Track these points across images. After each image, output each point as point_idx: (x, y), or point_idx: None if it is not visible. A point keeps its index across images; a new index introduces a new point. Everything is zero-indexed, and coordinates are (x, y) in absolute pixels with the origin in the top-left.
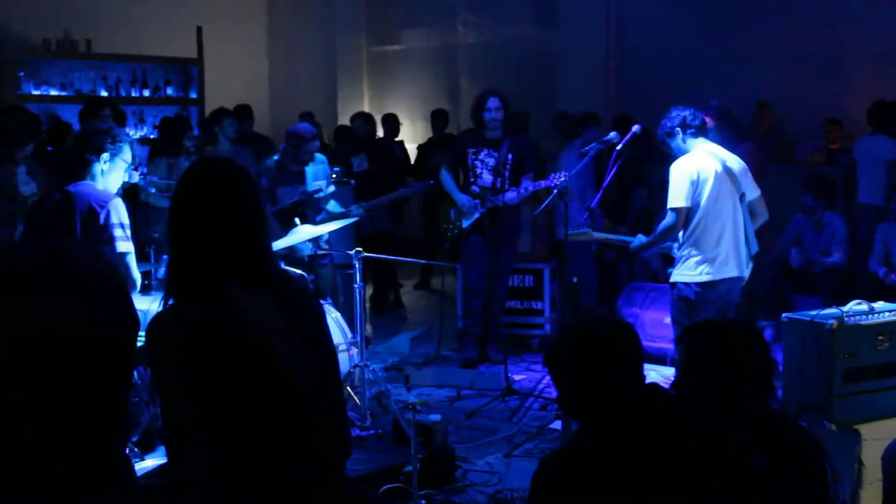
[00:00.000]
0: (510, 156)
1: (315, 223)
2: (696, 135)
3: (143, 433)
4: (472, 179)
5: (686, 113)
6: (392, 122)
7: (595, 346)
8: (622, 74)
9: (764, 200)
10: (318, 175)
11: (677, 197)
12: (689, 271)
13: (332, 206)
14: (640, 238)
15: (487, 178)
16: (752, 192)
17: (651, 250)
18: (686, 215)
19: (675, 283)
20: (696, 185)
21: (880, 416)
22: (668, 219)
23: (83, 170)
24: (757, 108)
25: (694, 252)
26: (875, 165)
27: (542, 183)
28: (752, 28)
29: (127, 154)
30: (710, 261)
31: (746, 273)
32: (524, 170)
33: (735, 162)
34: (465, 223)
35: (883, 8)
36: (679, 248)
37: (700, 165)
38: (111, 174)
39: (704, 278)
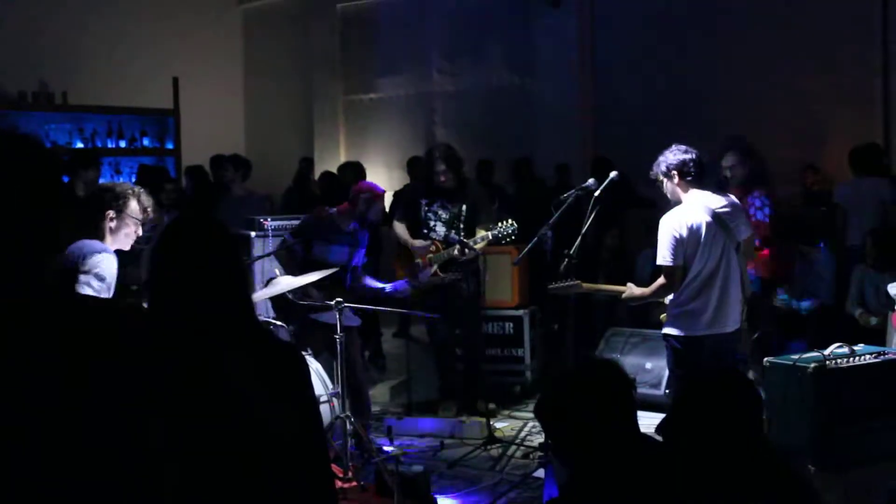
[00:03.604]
0: (463, 206)
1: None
2: (691, 183)
3: None
4: (424, 232)
5: (687, 158)
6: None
7: (590, 393)
8: (597, 121)
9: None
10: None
11: (665, 256)
12: (679, 325)
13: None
14: (632, 288)
15: (441, 230)
16: (744, 232)
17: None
18: (680, 273)
19: (666, 336)
20: (684, 243)
21: (863, 459)
22: (662, 279)
23: (90, 229)
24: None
25: (685, 307)
26: (865, 207)
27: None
28: (725, 73)
29: (134, 207)
30: (699, 316)
31: (739, 324)
32: (478, 220)
33: (728, 207)
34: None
35: (852, 51)
36: (671, 302)
37: (690, 221)
38: (121, 231)
39: (694, 333)
